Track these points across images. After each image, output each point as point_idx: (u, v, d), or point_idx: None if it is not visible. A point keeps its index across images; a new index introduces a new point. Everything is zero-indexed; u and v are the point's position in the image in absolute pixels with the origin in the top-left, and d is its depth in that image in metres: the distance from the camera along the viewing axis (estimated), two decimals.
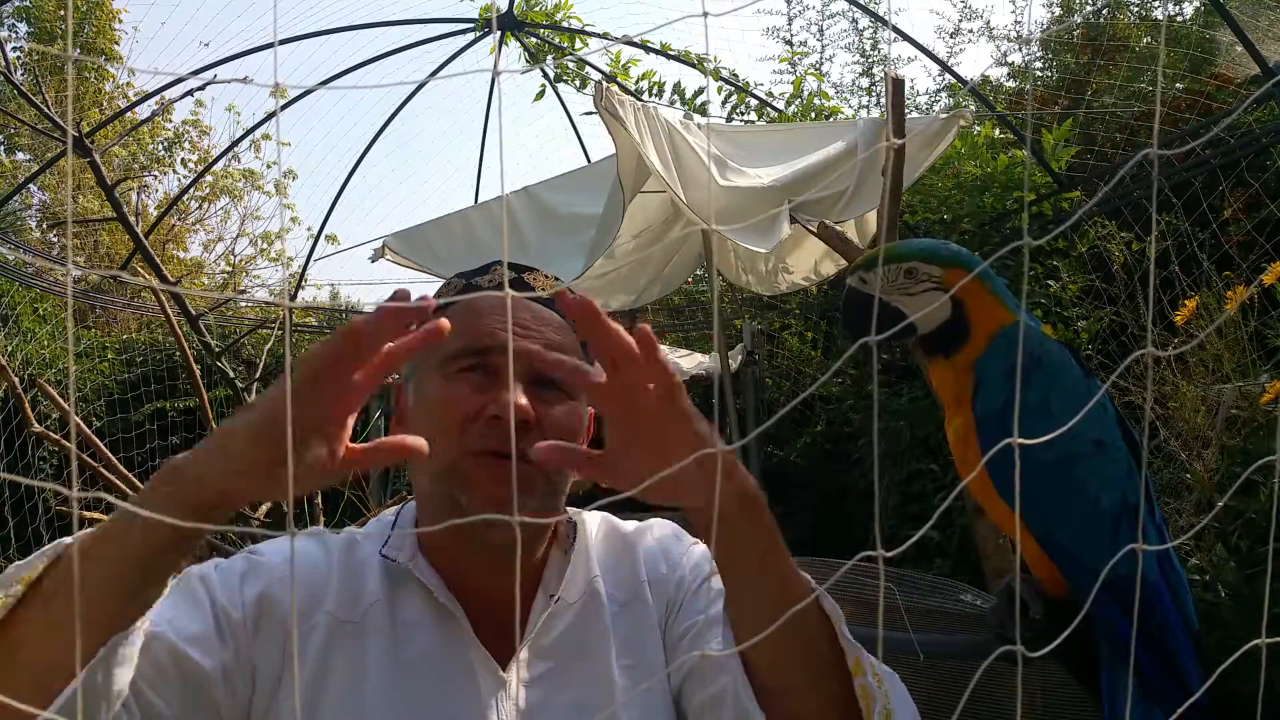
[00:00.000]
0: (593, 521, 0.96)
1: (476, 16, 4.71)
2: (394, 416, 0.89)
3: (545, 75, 5.08)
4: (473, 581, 0.84)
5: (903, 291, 1.00)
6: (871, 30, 6.59)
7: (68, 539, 0.62)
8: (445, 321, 0.60)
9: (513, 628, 0.83)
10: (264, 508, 3.19)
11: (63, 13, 8.53)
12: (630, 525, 0.98)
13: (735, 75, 5.17)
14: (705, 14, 0.47)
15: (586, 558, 0.91)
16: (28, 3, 8.69)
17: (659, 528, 0.97)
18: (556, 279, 0.91)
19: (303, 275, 6.51)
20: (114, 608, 0.62)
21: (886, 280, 1.00)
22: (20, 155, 9.20)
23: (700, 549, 0.94)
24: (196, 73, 4.24)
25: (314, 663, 0.78)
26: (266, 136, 7.82)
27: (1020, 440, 0.51)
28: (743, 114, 5.11)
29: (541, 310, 0.86)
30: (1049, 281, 3.52)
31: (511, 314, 0.83)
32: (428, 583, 0.83)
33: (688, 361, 4.37)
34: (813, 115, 4.64)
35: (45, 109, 2.28)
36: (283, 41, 4.48)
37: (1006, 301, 0.99)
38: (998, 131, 4.63)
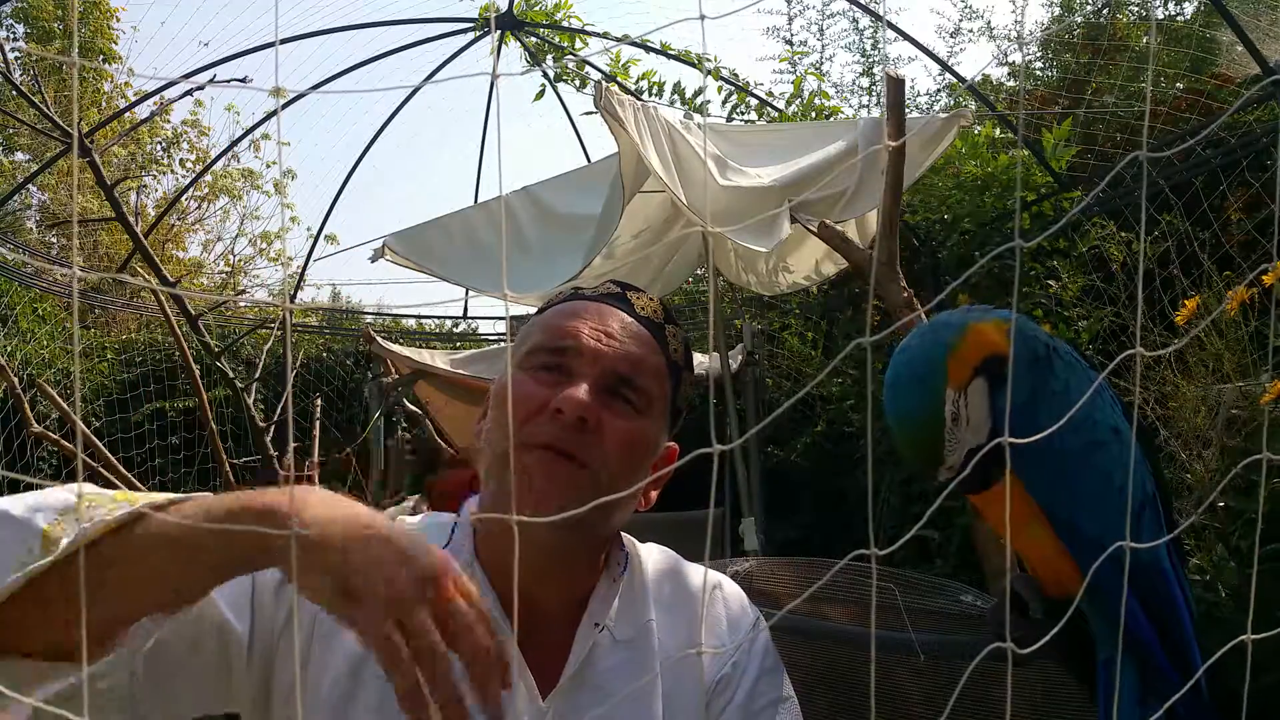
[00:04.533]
0: (649, 554, 0.92)
1: (476, 16, 4.70)
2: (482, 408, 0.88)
3: (545, 75, 5.08)
4: (524, 594, 0.81)
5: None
6: (871, 30, 6.59)
7: (147, 503, 0.60)
8: None
9: (557, 651, 0.81)
10: None
11: (60, 12, 8.52)
12: (696, 573, 0.93)
13: (735, 75, 5.16)
14: (703, 16, 0.47)
15: (642, 594, 0.88)
16: (24, 3, 8.67)
17: (729, 591, 0.93)
18: (661, 303, 0.93)
19: (302, 275, 6.50)
20: (167, 597, 0.61)
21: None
22: (19, 155, 9.20)
23: (765, 634, 0.91)
24: (195, 73, 4.24)
25: (346, 665, 0.76)
26: (266, 136, 7.82)
27: (1011, 440, 0.51)
28: (743, 114, 5.10)
29: (634, 325, 0.86)
30: (1049, 281, 3.52)
31: (601, 321, 0.85)
32: None
33: None
34: (813, 115, 4.63)
35: (45, 109, 2.28)
36: (283, 41, 4.47)
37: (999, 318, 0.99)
38: (998, 131, 4.62)
